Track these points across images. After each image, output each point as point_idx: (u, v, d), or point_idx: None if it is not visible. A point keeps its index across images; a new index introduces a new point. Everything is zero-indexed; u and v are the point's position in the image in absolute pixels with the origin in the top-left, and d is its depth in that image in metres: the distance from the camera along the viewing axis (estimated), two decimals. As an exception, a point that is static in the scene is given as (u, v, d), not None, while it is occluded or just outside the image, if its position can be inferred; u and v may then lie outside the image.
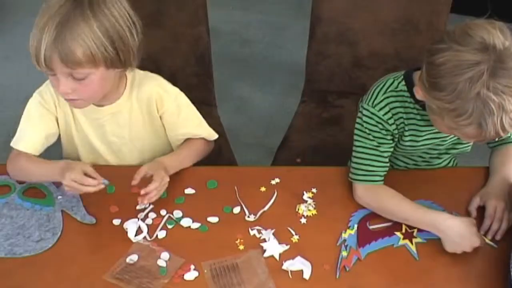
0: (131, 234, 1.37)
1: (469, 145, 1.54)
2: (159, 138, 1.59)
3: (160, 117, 1.55)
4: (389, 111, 1.42)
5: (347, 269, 1.32)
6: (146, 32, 1.41)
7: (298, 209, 1.44)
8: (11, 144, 1.49)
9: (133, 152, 1.58)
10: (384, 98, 1.42)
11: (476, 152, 1.59)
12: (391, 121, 1.42)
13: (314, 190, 1.48)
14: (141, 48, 1.40)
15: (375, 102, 1.42)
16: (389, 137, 1.44)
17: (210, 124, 1.62)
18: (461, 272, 1.32)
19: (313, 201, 1.46)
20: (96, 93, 1.40)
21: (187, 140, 1.58)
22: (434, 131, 1.43)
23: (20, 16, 3.20)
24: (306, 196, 1.47)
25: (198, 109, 1.60)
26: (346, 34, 1.95)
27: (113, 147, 1.56)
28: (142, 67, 1.51)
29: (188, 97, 1.58)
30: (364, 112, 1.44)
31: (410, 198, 1.41)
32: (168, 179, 1.43)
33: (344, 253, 1.35)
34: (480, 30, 1.19)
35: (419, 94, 1.31)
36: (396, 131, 1.44)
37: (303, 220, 1.42)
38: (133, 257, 1.32)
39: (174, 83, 1.56)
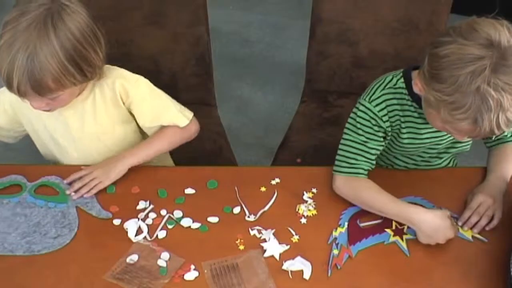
0: (131, 234, 1.37)
1: (468, 144, 1.54)
2: (128, 132, 1.58)
3: (128, 108, 1.54)
4: (385, 108, 1.42)
5: (339, 267, 1.32)
6: (146, 32, 1.41)
7: (298, 209, 1.44)
8: None
9: (99, 147, 1.56)
10: (382, 95, 1.42)
11: (476, 152, 1.59)
12: (385, 118, 1.42)
13: (314, 190, 1.48)
14: (105, 55, 1.43)
15: (372, 97, 1.43)
16: (380, 134, 1.44)
17: (210, 124, 1.61)
18: (461, 272, 1.32)
19: (313, 201, 1.46)
20: (68, 102, 1.46)
21: (161, 127, 1.56)
22: (432, 129, 1.44)
23: (20, 16, 3.19)
24: (306, 196, 1.47)
25: (198, 109, 1.59)
26: (346, 34, 1.95)
27: (77, 143, 1.56)
28: (142, 67, 1.50)
29: (188, 97, 1.57)
30: (360, 107, 1.44)
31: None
32: (96, 174, 1.46)
33: (335, 251, 1.35)
34: (487, 26, 1.20)
35: (417, 86, 1.31)
36: (389, 129, 1.44)
37: (303, 220, 1.42)
38: (133, 257, 1.32)
39: (174, 83, 1.55)
